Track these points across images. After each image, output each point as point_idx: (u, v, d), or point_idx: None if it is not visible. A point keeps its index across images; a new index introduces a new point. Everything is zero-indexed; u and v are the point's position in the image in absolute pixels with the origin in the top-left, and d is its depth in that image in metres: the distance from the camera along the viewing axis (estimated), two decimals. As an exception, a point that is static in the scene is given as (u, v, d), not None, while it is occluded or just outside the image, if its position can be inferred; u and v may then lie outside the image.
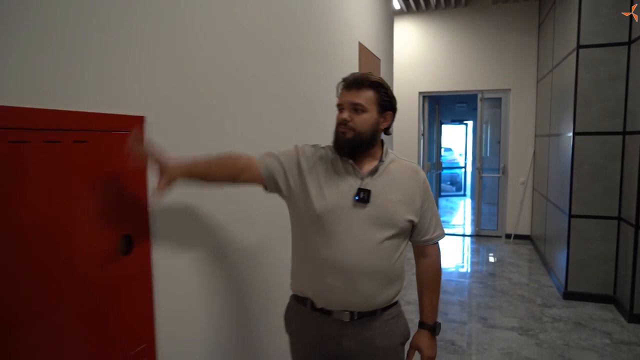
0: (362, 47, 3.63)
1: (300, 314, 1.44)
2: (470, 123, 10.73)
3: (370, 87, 1.33)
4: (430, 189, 1.46)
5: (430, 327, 1.48)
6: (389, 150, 1.45)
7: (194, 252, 1.49)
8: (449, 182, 11.88)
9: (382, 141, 1.43)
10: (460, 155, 12.63)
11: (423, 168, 6.77)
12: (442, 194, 11.00)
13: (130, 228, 1.20)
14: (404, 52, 6.44)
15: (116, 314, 1.16)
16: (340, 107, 1.36)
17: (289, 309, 1.52)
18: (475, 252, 5.83)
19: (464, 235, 6.69)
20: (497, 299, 4.04)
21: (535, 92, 5.99)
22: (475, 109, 6.63)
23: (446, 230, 6.87)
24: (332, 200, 1.32)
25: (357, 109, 1.33)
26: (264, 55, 1.92)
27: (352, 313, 1.36)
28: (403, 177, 1.41)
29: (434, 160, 7.58)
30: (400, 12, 6.38)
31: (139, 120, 1.22)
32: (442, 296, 4.05)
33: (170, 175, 1.20)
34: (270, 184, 1.38)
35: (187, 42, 1.43)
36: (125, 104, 1.18)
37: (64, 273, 1.00)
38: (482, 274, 4.87)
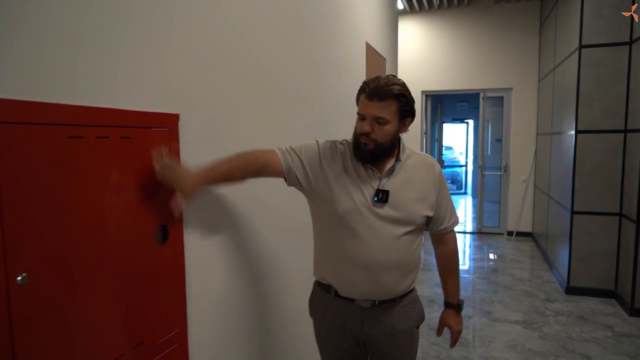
0: (369, 47, 3.70)
1: (325, 300, 1.52)
2: (471, 122, 10.81)
3: (393, 98, 1.33)
4: (445, 180, 1.53)
5: (456, 306, 1.62)
6: (406, 147, 1.50)
7: (223, 242, 1.56)
8: (449, 181, 11.98)
9: (399, 138, 1.48)
10: (461, 153, 12.72)
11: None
12: (443, 192, 11.09)
13: (166, 219, 1.27)
14: (407, 52, 6.51)
15: (152, 299, 1.23)
16: (362, 117, 1.37)
17: (313, 295, 1.60)
18: (477, 249, 5.91)
19: (465, 233, 6.77)
20: (501, 294, 4.12)
21: (537, 91, 6.07)
22: (476, 107, 6.72)
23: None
24: (353, 200, 1.38)
25: (379, 122, 1.34)
26: (278, 56, 1.99)
27: (373, 301, 1.44)
28: (419, 174, 1.46)
29: (436, 159, 7.66)
30: (403, 12, 6.45)
31: (174, 118, 1.29)
32: (447, 291, 4.15)
33: (189, 191, 1.21)
34: (290, 179, 1.44)
35: (214, 46, 1.50)
36: (162, 102, 1.25)
37: (109, 258, 1.08)
38: (485, 270, 4.95)
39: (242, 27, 1.68)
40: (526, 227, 6.29)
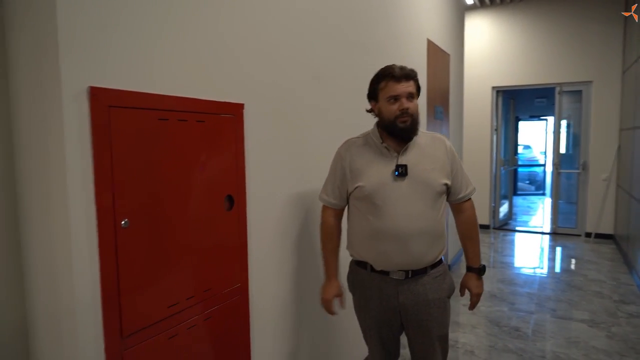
0: (430, 44, 3.79)
1: (361, 276, 1.70)
2: (550, 119, 10.23)
3: (412, 78, 1.58)
4: (456, 153, 1.69)
5: (476, 269, 1.72)
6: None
7: (279, 211, 1.81)
8: (527, 181, 11.41)
9: None
10: (541, 153, 12.05)
11: (495, 164, 6.69)
12: (519, 192, 10.61)
13: (232, 190, 1.54)
14: (476, 47, 6.42)
15: (220, 255, 1.50)
16: (396, 97, 1.55)
17: (350, 273, 1.79)
18: (551, 249, 5.67)
19: (541, 233, 6.50)
20: (570, 293, 3.98)
21: (621, 84, 5.69)
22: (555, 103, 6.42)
23: (522, 229, 6.74)
24: (376, 179, 1.58)
25: (410, 97, 1.57)
26: (337, 52, 2.21)
27: (406, 272, 1.61)
28: (431, 148, 1.64)
29: (508, 157, 7.41)
30: (473, 7, 6.37)
31: (239, 107, 1.56)
32: (509, 287, 4.11)
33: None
34: (343, 205, 1.76)
35: (276, 44, 1.75)
36: (229, 93, 1.52)
37: (187, 215, 1.36)
38: (556, 269, 4.78)
39: (302, 26, 1.91)
40: (607, 229, 5.91)
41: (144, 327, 1.22)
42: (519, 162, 11.50)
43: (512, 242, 6.05)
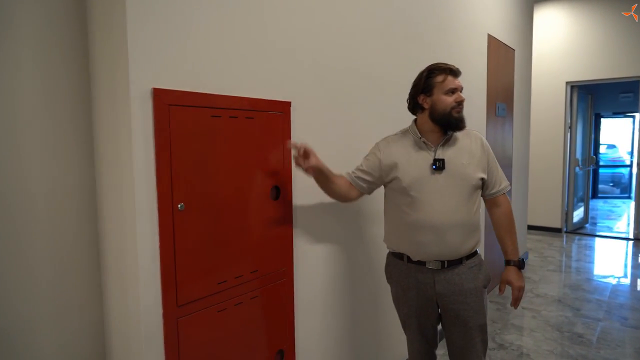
0: (491, 39, 3.70)
1: (399, 267, 1.77)
2: (638, 115, 9.37)
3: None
4: (490, 148, 1.73)
5: (516, 263, 1.71)
6: None
7: (322, 199, 1.92)
8: (610, 183, 10.55)
9: None
10: (628, 152, 11.07)
11: (570, 164, 6.30)
12: (600, 195, 9.86)
13: (279, 181, 1.67)
14: (548, 41, 6.09)
15: (267, 240, 1.64)
16: (454, 90, 1.66)
17: (388, 264, 1.85)
18: (630, 255, 5.25)
19: (621, 239, 6.03)
20: (646, 303, 3.69)
21: None
22: (640, 98, 5.92)
23: (600, 233, 6.28)
24: (415, 173, 1.65)
25: (462, 91, 1.67)
26: (387, 49, 2.27)
27: (442, 262, 1.65)
28: (467, 143, 1.69)
29: (585, 156, 6.92)
30: (543, 0, 6.05)
31: (287, 105, 1.69)
32: (577, 293, 3.91)
33: (315, 163, 1.56)
34: (370, 190, 1.79)
35: (322, 46, 1.86)
36: (278, 92, 1.66)
37: (237, 202, 1.51)
38: (633, 277, 4.44)
39: (351, 24, 2.01)
40: (700, 236, 5.35)
41: (196, 299, 1.39)
42: (602, 163, 10.67)
43: (586, 247, 5.68)
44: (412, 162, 1.67)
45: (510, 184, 4.38)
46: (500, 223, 1.75)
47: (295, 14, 1.72)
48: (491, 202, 1.76)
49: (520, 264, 1.72)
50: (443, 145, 1.67)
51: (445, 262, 1.65)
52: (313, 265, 1.89)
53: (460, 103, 1.65)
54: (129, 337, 1.32)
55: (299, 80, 1.76)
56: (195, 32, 1.36)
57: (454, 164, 1.63)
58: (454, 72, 1.68)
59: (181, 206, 1.33)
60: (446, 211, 1.61)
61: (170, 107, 1.29)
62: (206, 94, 1.39)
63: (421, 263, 1.68)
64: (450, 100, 1.65)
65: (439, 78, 1.66)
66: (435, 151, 1.66)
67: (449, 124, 1.66)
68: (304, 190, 1.81)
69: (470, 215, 1.63)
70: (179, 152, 1.32)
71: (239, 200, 1.52)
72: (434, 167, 1.63)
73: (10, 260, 1.25)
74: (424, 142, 1.68)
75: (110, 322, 1.43)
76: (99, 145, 1.38)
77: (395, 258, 1.79)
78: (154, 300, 1.28)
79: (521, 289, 1.70)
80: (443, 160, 1.63)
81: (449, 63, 1.70)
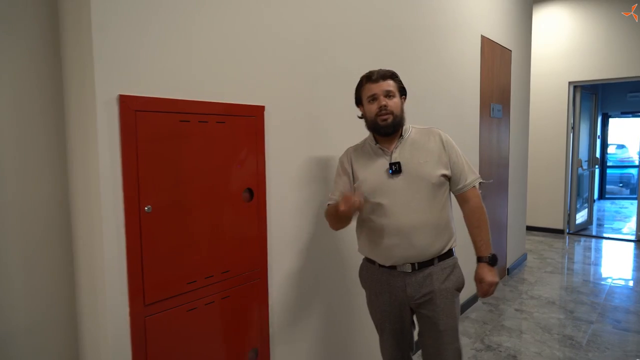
0: (485, 40, 3.69)
1: (371, 272, 1.78)
2: (647, 115, 9.23)
3: (390, 77, 1.67)
4: (453, 143, 1.71)
5: (486, 258, 1.67)
6: (409, 126, 1.75)
7: (296, 202, 1.96)
8: (620, 184, 10.39)
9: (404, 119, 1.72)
10: (638, 153, 10.89)
11: (572, 164, 6.24)
12: (607, 195, 9.72)
13: (252, 183, 1.71)
14: (549, 41, 6.04)
15: (240, 241, 1.68)
16: (374, 96, 1.66)
17: (361, 269, 1.87)
18: (632, 257, 5.19)
19: (625, 240, 5.96)
20: (641, 306, 3.66)
21: None
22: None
23: (604, 235, 6.21)
24: (373, 180, 1.67)
25: (389, 95, 1.64)
26: (369, 54, 2.29)
27: (412, 265, 1.66)
28: (424, 142, 1.69)
29: (589, 157, 6.84)
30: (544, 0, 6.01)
31: (260, 109, 1.73)
32: (572, 295, 3.88)
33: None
34: None
35: (297, 49, 1.89)
36: (251, 96, 1.70)
37: (207, 204, 1.55)
38: (632, 280, 4.39)
39: (328, 29, 2.04)
40: None
41: (164, 298, 1.43)
42: (611, 163, 10.52)
43: (587, 249, 5.63)
44: (370, 170, 1.70)
45: (507, 185, 4.38)
46: (470, 218, 1.72)
47: (269, 18, 1.76)
48: (460, 198, 1.74)
49: (492, 260, 1.67)
50: (397, 148, 1.69)
51: (416, 264, 1.66)
52: (288, 266, 1.93)
53: (382, 108, 1.63)
54: (98, 338, 1.37)
55: (273, 84, 1.79)
56: (164, 39, 1.40)
57: (411, 164, 1.65)
58: (372, 78, 1.66)
59: (148, 208, 1.37)
60: (409, 213, 1.62)
61: (137, 112, 1.33)
62: (174, 99, 1.43)
63: (392, 267, 1.70)
64: (373, 107, 1.66)
65: (363, 88, 1.71)
66: (390, 155, 1.68)
67: (378, 131, 1.68)
68: (279, 193, 1.84)
69: (435, 215, 1.64)
70: (146, 156, 1.36)
71: (209, 202, 1.56)
72: (390, 171, 1.65)
73: (-17, 260, 1.31)
74: (379, 149, 1.71)
75: (82, 325, 1.48)
76: (70, 151, 1.44)
77: (368, 262, 1.81)
78: (120, 300, 1.33)
79: (492, 284, 1.66)
80: (399, 163, 1.64)
81: (376, 69, 1.69)
